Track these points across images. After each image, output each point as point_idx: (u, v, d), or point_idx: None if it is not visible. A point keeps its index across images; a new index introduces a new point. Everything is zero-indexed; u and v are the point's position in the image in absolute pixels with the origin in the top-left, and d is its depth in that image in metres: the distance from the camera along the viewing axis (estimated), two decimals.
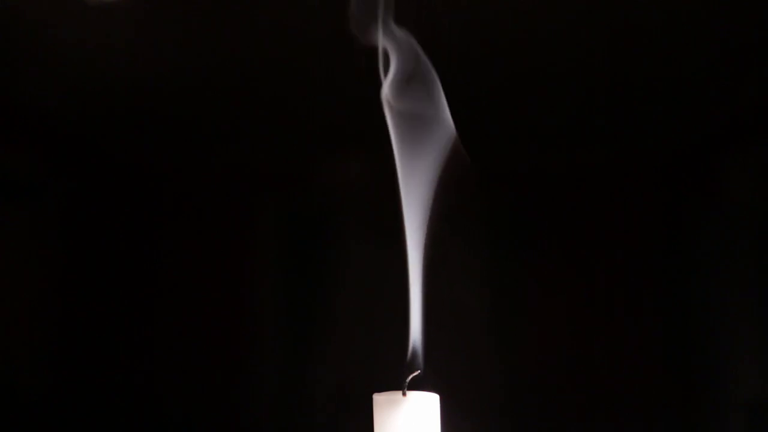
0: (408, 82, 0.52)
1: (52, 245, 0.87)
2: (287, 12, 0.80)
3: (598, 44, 0.81)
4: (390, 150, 0.50)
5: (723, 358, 0.82)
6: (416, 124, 0.51)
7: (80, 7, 0.80)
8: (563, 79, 0.82)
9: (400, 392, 0.44)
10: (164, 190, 0.87)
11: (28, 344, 0.87)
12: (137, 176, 0.87)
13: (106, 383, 0.86)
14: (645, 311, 0.84)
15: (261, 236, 0.86)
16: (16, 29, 0.82)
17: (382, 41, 0.54)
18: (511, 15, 0.80)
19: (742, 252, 0.82)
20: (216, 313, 0.86)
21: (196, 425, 0.86)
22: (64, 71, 0.84)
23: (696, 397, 0.83)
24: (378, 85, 0.53)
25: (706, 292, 0.83)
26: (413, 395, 0.44)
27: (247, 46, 0.82)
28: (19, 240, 0.86)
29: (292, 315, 0.86)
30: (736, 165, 0.83)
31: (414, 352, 0.47)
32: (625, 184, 0.84)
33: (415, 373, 0.45)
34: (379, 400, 0.45)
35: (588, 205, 0.84)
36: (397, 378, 0.45)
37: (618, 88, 0.82)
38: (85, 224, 0.87)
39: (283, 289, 0.87)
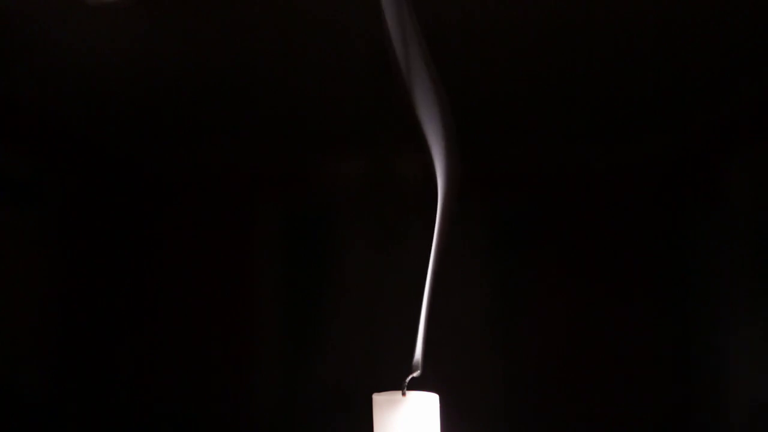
0: None
1: (52, 245, 0.86)
2: (287, 12, 0.80)
3: (598, 45, 0.81)
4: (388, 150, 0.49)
5: (724, 358, 0.82)
6: None
7: (80, 7, 0.80)
8: (564, 82, 0.82)
9: (400, 392, 0.44)
10: (164, 190, 0.87)
11: (29, 344, 0.87)
12: (137, 176, 0.87)
13: (107, 383, 0.86)
14: (646, 312, 0.84)
15: (261, 236, 0.86)
16: (16, 29, 0.82)
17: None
18: (512, 16, 0.80)
19: (744, 252, 0.82)
20: (216, 312, 0.86)
21: (196, 425, 0.86)
22: (64, 71, 0.84)
23: (696, 397, 0.83)
24: (377, 86, 0.53)
25: (708, 292, 0.83)
26: (413, 395, 0.44)
27: (247, 46, 0.82)
28: (19, 240, 0.86)
29: (292, 315, 0.86)
30: (738, 165, 0.83)
31: (415, 353, 0.47)
32: (625, 185, 0.84)
33: (415, 374, 0.45)
34: (379, 400, 0.45)
35: (589, 205, 0.84)
36: (398, 378, 0.45)
37: (618, 89, 0.82)
38: (85, 224, 0.87)
39: (283, 289, 0.86)
